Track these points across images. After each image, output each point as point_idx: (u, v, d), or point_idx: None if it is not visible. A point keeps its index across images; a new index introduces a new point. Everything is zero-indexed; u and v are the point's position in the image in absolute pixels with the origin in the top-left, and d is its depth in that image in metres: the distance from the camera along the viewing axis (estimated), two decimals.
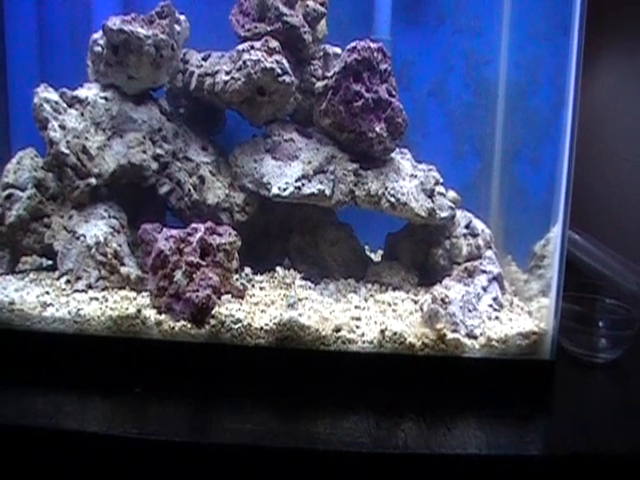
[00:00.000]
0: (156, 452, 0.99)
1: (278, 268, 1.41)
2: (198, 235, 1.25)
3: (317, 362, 1.15)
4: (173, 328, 1.16)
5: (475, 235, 1.44)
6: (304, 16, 1.44)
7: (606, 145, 1.91)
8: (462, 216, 1.47)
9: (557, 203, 1.14)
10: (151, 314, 1.19)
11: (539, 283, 1.31)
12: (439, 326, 1.16)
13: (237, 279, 1.32)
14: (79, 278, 1.29)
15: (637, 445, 1.02)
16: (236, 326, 1.16)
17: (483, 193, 1.60)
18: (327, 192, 1.37)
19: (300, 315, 1.17)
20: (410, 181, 1.42)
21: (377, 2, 1.60)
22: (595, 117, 1.93)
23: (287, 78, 1.39)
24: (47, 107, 1.35)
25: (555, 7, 1.33)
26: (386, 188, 1.38)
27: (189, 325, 1.16)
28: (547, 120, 1.41)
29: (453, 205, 1.43)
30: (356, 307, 1.29)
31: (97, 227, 1.33)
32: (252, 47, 1.39)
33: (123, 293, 1.27)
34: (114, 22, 1.33)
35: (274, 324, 1.16)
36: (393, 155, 1.46)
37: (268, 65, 1.37)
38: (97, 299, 1.24)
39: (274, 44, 1.39)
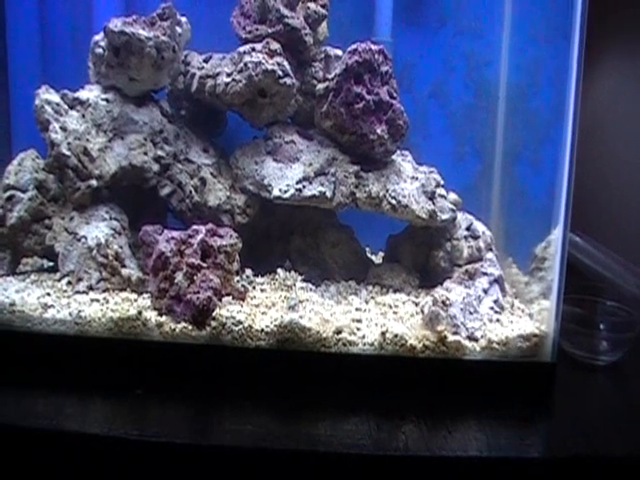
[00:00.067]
0: (157, 454, 0.99)
1: (279, 270, 1.41)
2: (199, 237, 1.25)
3: (318, 364, 1.15)
4: (174, 330, 1.16)
5: (476, 237, 1.44)
6: (305, 18, 1.44)
7: (607, 147, 1.91)
8: (463, 218, 1.47)
9: (558, 205, 1.14)
10: (152, 316, 1.19)
11: (540, 285, 1.31)
12: (440, 328, 1.16)
13: (238, 281, 1.32)
14: (80, 280, 1.30)
15: (638, 447, 1.02)
16: (237, 328, 1.16)
17: (484, 195, 1.60)
18: (328, 194, 1.37)
19: (301, 317, 1.17)
20: (411, 183, 1.42)
21: (378, 4, 1.60)
22: (596, 119, 1.93)
23: (288, 80, 1.39)
24: (48, 109, 1.35)
25: (556, 9, 1.33)
26: (387, 190, 1.38)
27: (190, 327, 1.16)
28: (548, 122, 1.40)
29: (454, 207, 1.44)
30: (357, 309, 1.29)
31: (98, 229, 1.33)
32: (253, 49, 1.39)
33: (124, 295, 1.27)
34: (115, 24, 1.34)
35: (275, 326, 1.16)
36: (394, 157, 1.46)
37: (269, 67, 1.37)
38: (98, 301, 1.24)
39: (275, 46, 1.40)
